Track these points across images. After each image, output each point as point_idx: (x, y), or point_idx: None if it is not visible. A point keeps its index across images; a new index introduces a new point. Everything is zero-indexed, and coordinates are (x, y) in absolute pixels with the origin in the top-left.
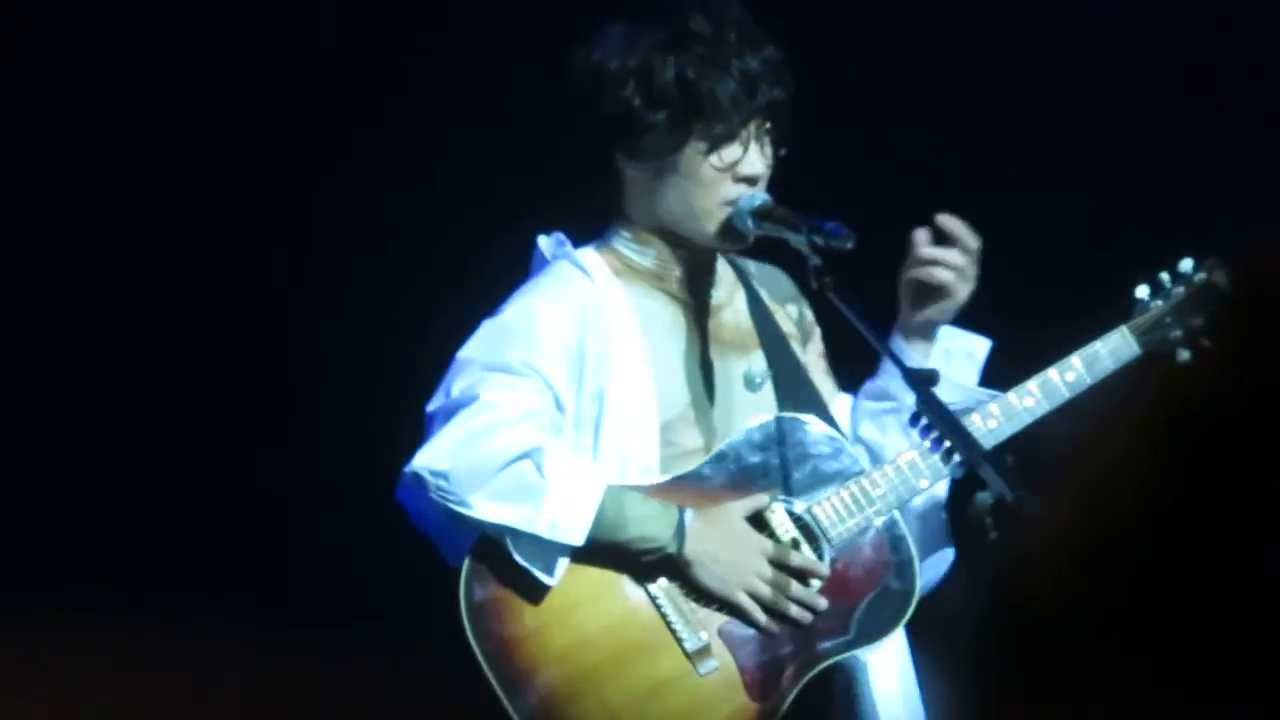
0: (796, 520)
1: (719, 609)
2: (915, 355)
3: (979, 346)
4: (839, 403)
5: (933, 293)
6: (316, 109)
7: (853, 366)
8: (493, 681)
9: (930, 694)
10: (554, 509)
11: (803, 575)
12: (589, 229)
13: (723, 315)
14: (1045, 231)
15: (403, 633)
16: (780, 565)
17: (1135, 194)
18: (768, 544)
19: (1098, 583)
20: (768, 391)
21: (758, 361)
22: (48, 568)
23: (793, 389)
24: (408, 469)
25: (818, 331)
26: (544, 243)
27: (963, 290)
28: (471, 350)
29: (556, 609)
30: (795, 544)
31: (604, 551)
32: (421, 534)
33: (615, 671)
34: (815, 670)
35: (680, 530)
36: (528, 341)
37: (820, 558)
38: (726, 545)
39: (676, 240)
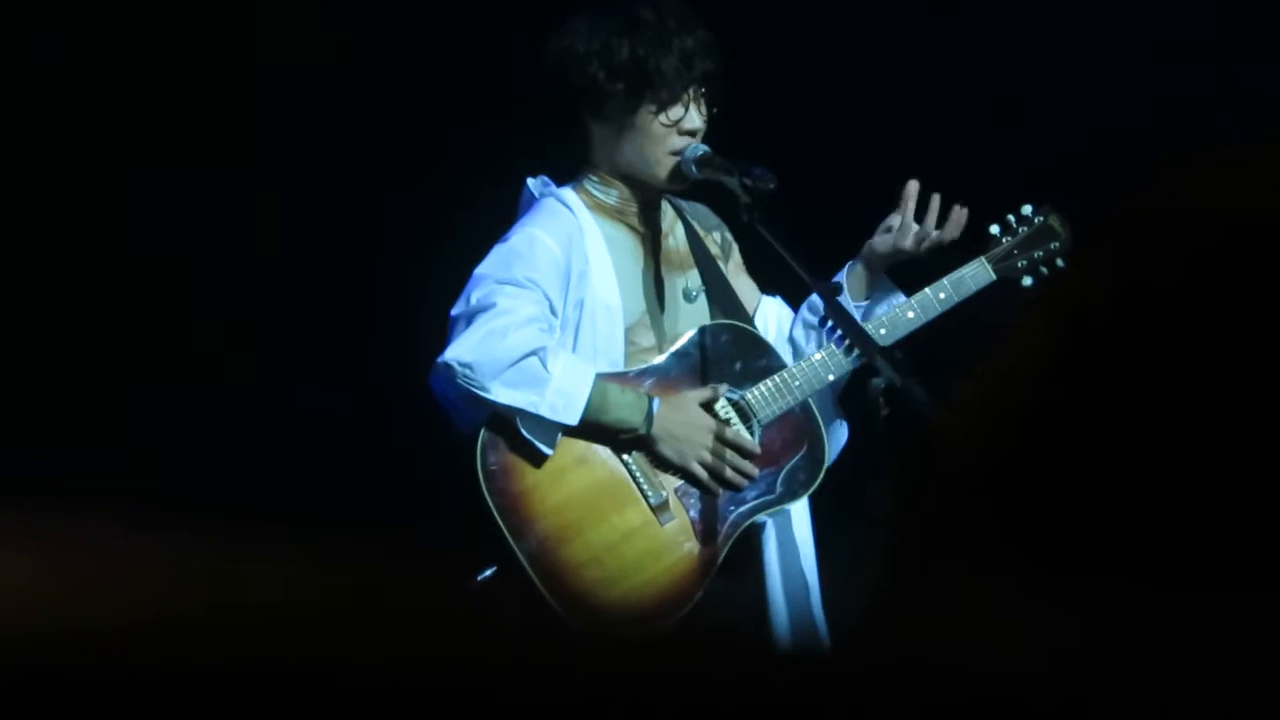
0: (734, 404)
1: (676, 474)
2: (858, 283)
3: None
4: (761, 304)
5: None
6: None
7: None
8: (501, 526)
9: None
10: (554, 396)
11: (739, 449)
12: (565, 173)
13: (667, 242)
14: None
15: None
16: (722, 440)
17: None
18: (714, 424)
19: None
20: (702, 302)
21: (694, 279)
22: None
23: (721, 300)
24: (440, 360)
25: (736, 249)
26: (532, 183)
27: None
28: (486, 267)
29: (551, 472)
30: (730, 423)
31: (590, 429)
32: (444, 413)
33: (596, 521)
34: (748, 522)
35: (649, 415)
36: (529, 262)
37: (751, 434)
38: (683, 426)
39: (633, 182)
